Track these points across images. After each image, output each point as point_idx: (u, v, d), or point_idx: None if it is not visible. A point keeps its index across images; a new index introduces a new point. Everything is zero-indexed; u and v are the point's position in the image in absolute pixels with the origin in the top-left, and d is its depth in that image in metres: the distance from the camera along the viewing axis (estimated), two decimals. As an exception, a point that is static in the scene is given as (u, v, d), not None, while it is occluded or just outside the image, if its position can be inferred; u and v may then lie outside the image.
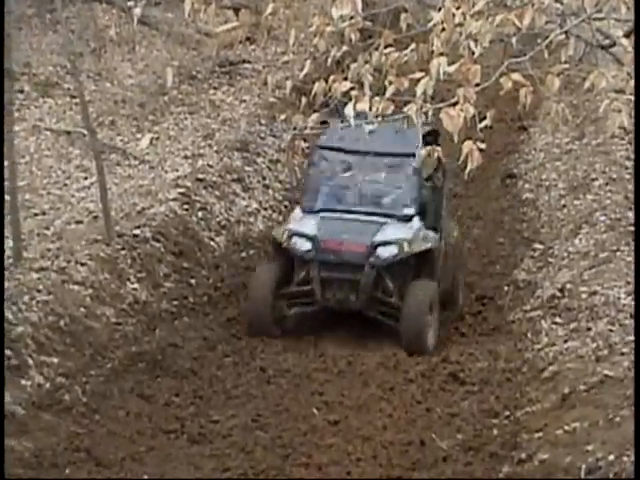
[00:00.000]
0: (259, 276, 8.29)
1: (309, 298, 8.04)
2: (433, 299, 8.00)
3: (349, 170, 8.70)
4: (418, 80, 3.58)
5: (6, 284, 7.30)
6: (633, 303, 8.68)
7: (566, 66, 4.06)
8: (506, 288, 9.90)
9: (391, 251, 7.88)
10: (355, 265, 7.88)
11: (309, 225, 8.19)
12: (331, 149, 8.56)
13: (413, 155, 8.17)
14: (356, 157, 8.58)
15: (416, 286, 8.08)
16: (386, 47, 3.89)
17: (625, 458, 5.66)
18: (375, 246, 7.89)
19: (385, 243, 7.97)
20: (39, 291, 7.30)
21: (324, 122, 5.70)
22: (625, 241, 10.01)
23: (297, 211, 8.61)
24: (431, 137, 8.04)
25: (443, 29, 3.93)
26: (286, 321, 8.14)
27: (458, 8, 4.23)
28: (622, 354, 7.42)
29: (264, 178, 11.23)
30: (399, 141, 8.13)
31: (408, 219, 8.20)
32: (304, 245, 7.97)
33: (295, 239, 8.04)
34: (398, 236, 8.00)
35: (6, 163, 7.69)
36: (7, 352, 6.60)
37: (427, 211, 8.63)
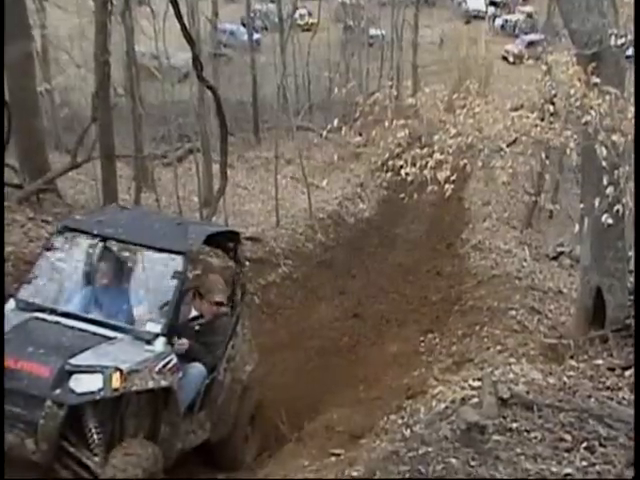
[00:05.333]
0: None
1: None
2: (146, 477, 5.26)
3: (95, 261, 6.64)
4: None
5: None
6: (506, 247, 16.15)
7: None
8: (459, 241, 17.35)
9: (91, 384, 5.17)
10: (33, 397, 5.16)
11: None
12: (81, 232, 6.53)
13: (183, 254, 6.20)
14: (108, 246, 6.62)
15: (120, 457, 5.24)
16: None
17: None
18: (68, 372, 5.20)
19: (84, 370, 5.21)
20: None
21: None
22: (504, 223, 18.21)
23: (9, 304, 6.06)
24: (225, 240, 7.49)
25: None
26: None
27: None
28: (505, 265, 14.40)
29: (364, 199, 21.41)
30: (172, 236, 6.47)
31: (149, 339, 5.76)
32: None
33: None
34: (110, 361, 5.31)
35: (272, 191, 18.82)
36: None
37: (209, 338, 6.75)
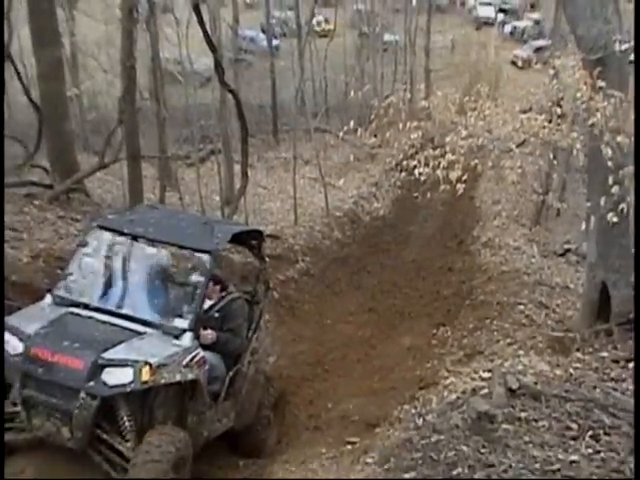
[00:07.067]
0: None
1: (20, 422, 5.65)
2: (178, 458, 5.46)
3: (127, 259, 6.76)
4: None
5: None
6: (515, 244, 16.09)
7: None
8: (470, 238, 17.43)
9: (122, 377, 5.42)
10: (68, 388, 5.42)
11: (36, 320, 5.83)
12: (113, 231, 6.67)
13: (209, 252, 6.37)
14: (138, 244, 6.68)
15: (155, 436, 5.49)
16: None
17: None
18: (100, 365, 5.43)
19: (116, 363, 5.46)
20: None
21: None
22: (514, 221, 18.16)
23: (46, 299, 6.30)
24: (249, 238, 7.72)
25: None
26: None
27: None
28: (514, 262, 14.31)
29: (379, 198, 21.56)
30: (199, 235, 6.66)
31: (177, 334, 5.97)
32: (16, 347, 5.61)
33: (7, 336, 5.68)
34: (140, 355, 5.53)
35: (291, 191, 18.59)
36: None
37: (236, 327, 6.95)
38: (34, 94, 14.22)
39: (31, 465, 5.52)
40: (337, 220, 18.41)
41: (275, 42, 30.74)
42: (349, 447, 7.06)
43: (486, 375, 6.85)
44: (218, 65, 13.07)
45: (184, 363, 5.91)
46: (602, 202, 7.14)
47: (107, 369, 5.48)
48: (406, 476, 4.95)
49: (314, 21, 25.99)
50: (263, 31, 33.28)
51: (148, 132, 16.71)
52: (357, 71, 30.71)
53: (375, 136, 9.70)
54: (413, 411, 6.95)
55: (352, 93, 13.36)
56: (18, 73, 14.61)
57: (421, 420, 6.13)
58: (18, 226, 10.10)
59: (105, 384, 5.46)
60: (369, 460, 5.74)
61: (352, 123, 8.40)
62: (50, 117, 13.31)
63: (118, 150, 13.79)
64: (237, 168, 16.03)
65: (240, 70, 23.59)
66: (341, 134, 10.07)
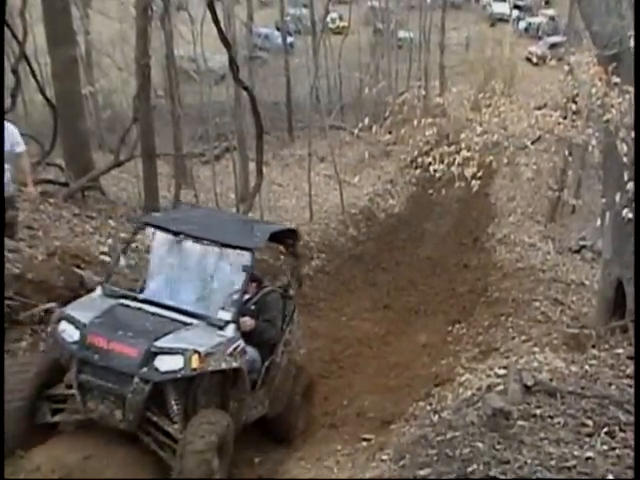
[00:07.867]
0: (22, 369, 6.01)
1: (73, 404, 5.97)
2: (224, 438, 5.84)
3: (174, 254, 7.15)
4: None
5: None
6: (530, 241, 16.23)
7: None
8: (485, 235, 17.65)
9: (173, 364, 5.76)
10: (123, 374, 5.75)
11: (90, 310, 6.18)
12: (160, 228, 7.07)
13: (250, 250, 6.71)
14: (183, 241, 7.03)
15: (203, 417, 5.89)
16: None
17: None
18: (153, 353, 5.76)
19: (167, 351, 5.80)
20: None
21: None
22: (529, 218, 18.27)
23: (97, 291, 6.66)
24: (286, 237, 8.08)
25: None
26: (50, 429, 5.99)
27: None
28: (529, 259, 14.51)
29: (394, 195, 21.66)
30: (240, 233, 7.09)
31: (221, 325, 6.29)
32: (72, 335, 5.95)
33: (64, 325, 6.03)
34: (189, 344, 5.87)
35: (306, 189, 18.99)
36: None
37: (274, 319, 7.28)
38: (49, 92, 14.32)
39: (48, 462, 5.53)
40: (352, 217, 18.40)
41: (289, 39, 30.98)
42: (364, 444, 7.11)
43: (501, 372, 6.87)
44: (233, 63, 13.11)
45: (228, 352, 6.22)
46: (617, 198, 7.18)
47: (159, 356, 5.78)
48: (421, 473, 4.96)
49: (328, 18, 26.12)
50: (278, 28, 33.49)
51: (163, 130, 16.91)
52: (372, 68, 30.70)
53: (390, 133, 9.73)
54: (428, 408, 7.01)
55: (367, 90, 13.31)
56: (33, 72, 14.61)
57: (436, 417, 6.17)
58: (34, 224, 10.09)
59: (157, 370, 5.76)
60: (384, 457, 5.78)
61: (367, 120, 8.49)
62: (65, 115, 13.38)
63: (133, 148, 13.90)
64: (252, 165, 16.12)
65: (255, 67, 23.81)
66: (356, 131, 10.10)
